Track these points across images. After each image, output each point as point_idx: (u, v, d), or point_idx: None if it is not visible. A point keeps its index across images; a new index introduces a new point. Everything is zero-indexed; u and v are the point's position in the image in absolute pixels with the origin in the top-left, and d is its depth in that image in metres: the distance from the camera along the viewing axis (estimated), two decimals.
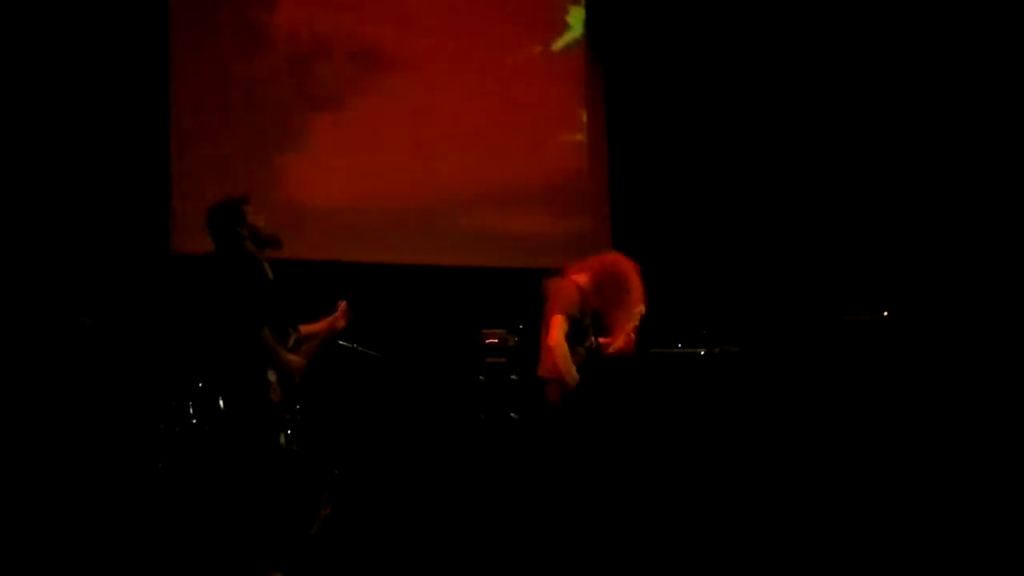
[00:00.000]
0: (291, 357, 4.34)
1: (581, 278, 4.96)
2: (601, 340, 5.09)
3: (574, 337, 4.86)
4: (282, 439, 4.40)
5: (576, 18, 7.72)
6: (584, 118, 7.71)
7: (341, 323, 4.69)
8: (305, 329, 4.55)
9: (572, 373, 4.80)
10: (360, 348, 5.35)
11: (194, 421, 4.90)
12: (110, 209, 6.00)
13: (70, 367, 4.61)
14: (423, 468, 5.82)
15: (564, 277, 5.00)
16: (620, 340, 5.06)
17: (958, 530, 4.13)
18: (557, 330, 4.79)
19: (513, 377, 6.41)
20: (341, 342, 5.20)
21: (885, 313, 6.16)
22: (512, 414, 6.30)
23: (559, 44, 7.67)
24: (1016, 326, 5.98)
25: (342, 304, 4.66)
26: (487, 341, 6.57)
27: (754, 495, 4.82)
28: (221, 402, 4.38)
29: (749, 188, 7.59)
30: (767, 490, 4.86)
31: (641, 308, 5.03)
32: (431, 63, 7.16)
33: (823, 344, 6.10)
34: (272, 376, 4.27)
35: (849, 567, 4.05)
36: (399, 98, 7.02)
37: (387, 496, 5.32)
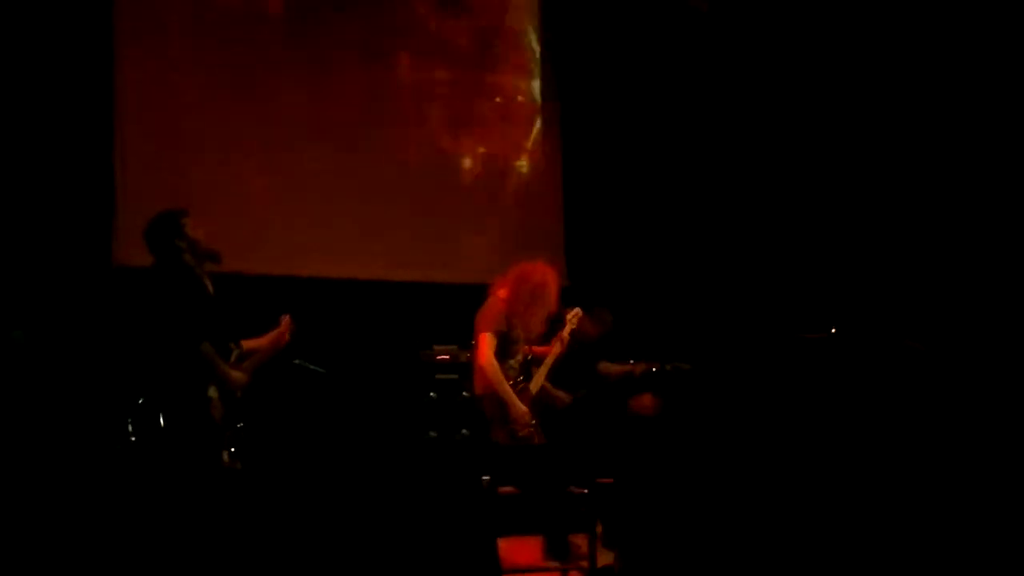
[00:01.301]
0: (233, 373, 4.28)
1: (503, 292, 5.01)
2: (536, 349, 5.12)
3: (504, 352, 4.91)
4: (225, 456, 4.31)
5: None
6: (536, 133, 7.70)
7: (285, 338, 4.62)
8: (248, 344, 4.49)
9: (505, 388, 4.85)
10: (310, 365, 5.27)
11: (133, 439, 4.77)
12: (51, 220, 5.86)
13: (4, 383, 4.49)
14: (371, 485, 5.72)
15: (490, 294, 5.03)
16: (555, 346, 5.10)
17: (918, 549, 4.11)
18: (485, 347, 4.86)
19: (465, 394, 6.35)
20: (296, 361, 5.13)
21: (832, 330, 6.19)
22: (463, 431, 6.23)
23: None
24: (976, 341, 6.04)
25: (286, 318, 4.60)
26: (438, 357, 6.49)
27: (708, 510, 4.79)
28: (161, 419, 4.28)
29: (700, 205, 7.61)
30: (721, 505, 4.84)
31: (570, 310, 5.12)
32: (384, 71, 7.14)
33: (775, 361, 6.11)
34: (213, 392, 4.20)
35: None
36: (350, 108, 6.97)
37: (334, 514, 5.22)
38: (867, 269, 6.85)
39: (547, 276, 5.03)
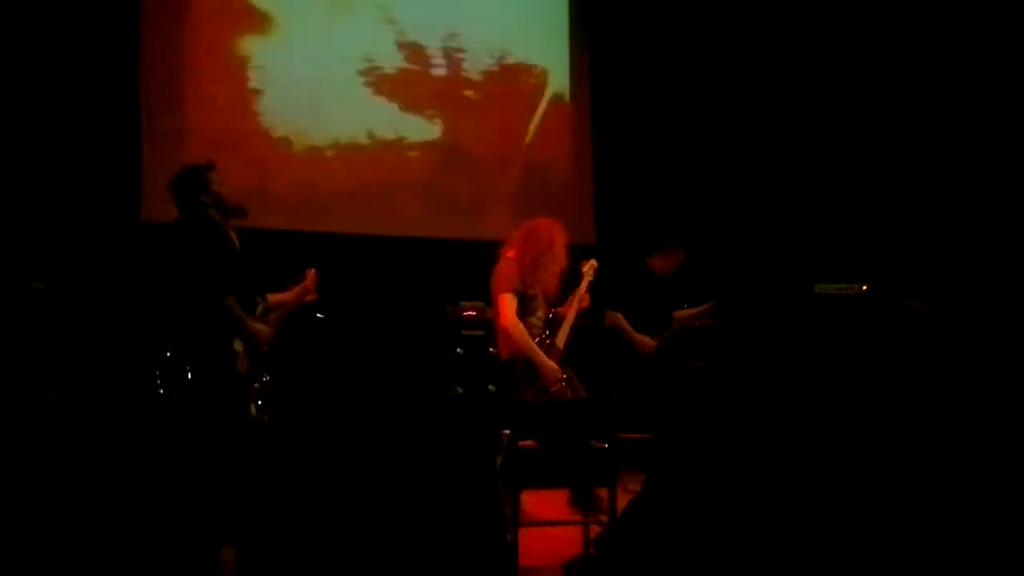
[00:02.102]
0: (258, 326, 4.29)
1: (512, 252, 4.99)
2: (559, 310, 5.13)
3: (523, 310, 4.91)
4: (252, 409, 4.35)
5: None
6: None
7: (311, 293, 4.64)
8: (273, 299, 4.50)
9: (531, 345, 4.86)
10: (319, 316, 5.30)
11: (161, 391, 4.84)
12: (80, 176, 5.91)
13: (24, 332, 4.54)
14: (397, 441, 5.77)
15: (500, 256, 5.02)
16: (575, 302, 5.10)
17: (942, 525, 4.07)
18: (506, 308, 4.86)
19: (491, 350, 6.37)
20: (318, 315, 5.16)
21: (864, 287, 6.14)
22: (490, 387, 6.26)
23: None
24: (998, 311, 5.96)
25: (311, 272, 4.60)
26: (465, 314, 6.51)
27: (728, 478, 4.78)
28: (188, 372, 4.32)
29: (725, 165, 7.54)
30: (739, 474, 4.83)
31: (586, 262, 5.12)
32: None
33: (801, 317, 6.09)
34: (239, 346, 4.22)
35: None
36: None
37: (356, 470, 5.28)
38: (895, 230, 6.78)
39: (553, 231, 5.01)
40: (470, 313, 6.48)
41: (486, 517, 3.98)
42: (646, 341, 5.76)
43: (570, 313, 5.11)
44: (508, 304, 4.88)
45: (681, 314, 5.98)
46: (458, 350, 6.44)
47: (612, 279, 5.79)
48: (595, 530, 4.24)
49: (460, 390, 6.34)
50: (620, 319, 5.80)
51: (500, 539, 3.92)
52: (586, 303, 5.16)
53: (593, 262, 5.28)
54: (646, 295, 5.82)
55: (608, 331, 5.83)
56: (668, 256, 5.95)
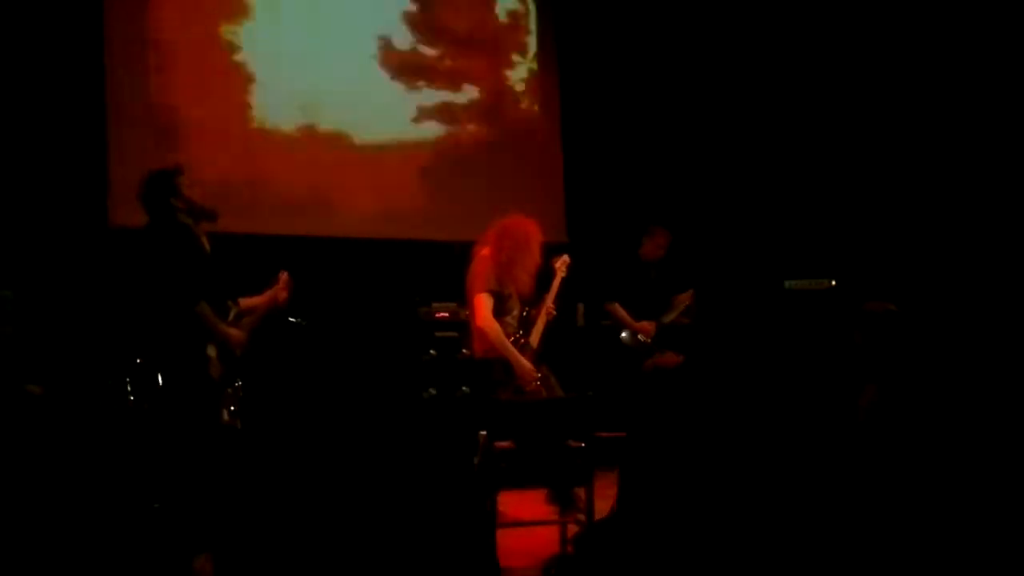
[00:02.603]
0: (231, 331, 4.26)
1: (487, 251, 4.98)
2: (531, 311, 5.13)
3: (499, 309, 4.90)
4: (225, 415, 4.31)
5: None
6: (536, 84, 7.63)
7: (284, 296, 4.60)
8: (245, 303, 4.47)
9: (506, 345, 4.86)
10: (295, 320, 5.26)
11: (132, 398, 4.79)
12: (47, 180, 5.83)
13: None
14: (370, 443, 5.75)
15: (474, 255, 5.01)
16: (547, 299, 5.10)
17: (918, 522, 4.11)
18: (482, 308, 4.85)
19: (464, 351, 6.36)
20: (291, 319, 5.12)
21: (832, 283, 6.20)
22: (464, 388, 6.24)
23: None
24: (974, 305, 6.03)
25: (283, 275, 4.57)
26: (437, 315, 6.49)
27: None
28: (160, 378, 4.28)
29: (698, 160, 7.58)
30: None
31: (557, 258, 5.18)
32: None
33: (768, 313, 6.15)
34: (212, 351, 4.19)
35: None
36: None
37: (332, 471, 5.25)
38: (868, 226, 6.85)
39: (528, 227, 5.01)
40: (443, 315, 6.46)
41: (469, 519, 3.97)
42: (645, 326, 6.11)
43: (542, 311, 5.11)
44: (484, 304, 4.87)
45: (681, 297, 6.24)
46: (431, 352, 6.41)
47: (605, 272, 5.95)
48: (573, 529, 4.26)
49: (433, 392, 6.31)
50: (618, 309, 6.15)
51: (487, 541, 3.91)
52: (552, 314, 5.14)
53: (566, 258, 5.28)
54: (641, 282, 6.05)
55: (585, 328, 5.89)
56: (654, 239, 6.25)
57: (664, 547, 3.58)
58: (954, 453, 3.61)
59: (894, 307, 3.95)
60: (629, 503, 3.85)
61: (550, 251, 5.27)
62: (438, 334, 6.40)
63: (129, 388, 4.84)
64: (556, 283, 5.17)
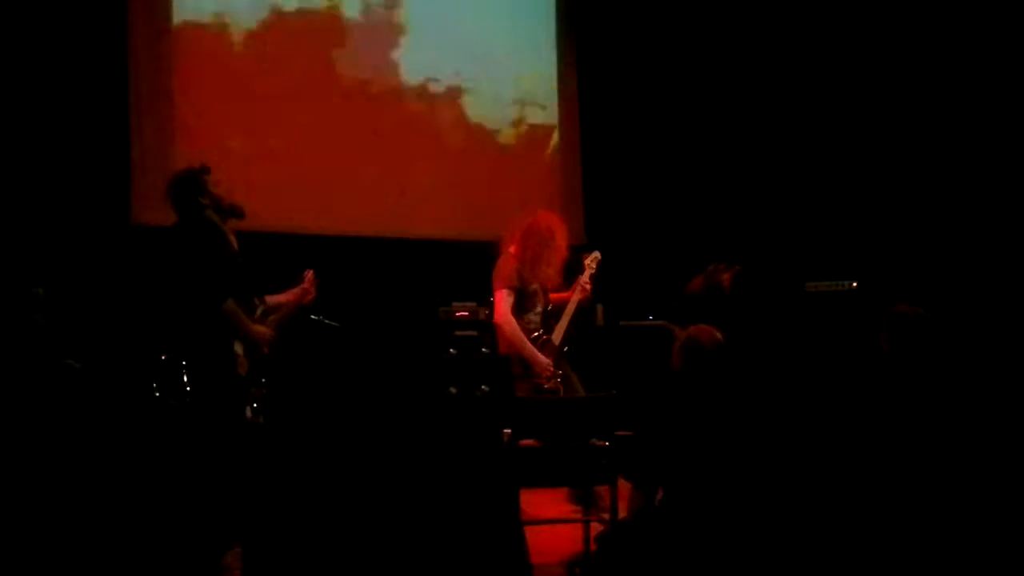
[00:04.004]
0: (258, 328, 4.29)
1: (513, 248, 5.02)
2: (553, 296, 5.14)
3: (521, 307, 4.93)
4: (248, 412, 4.34)
5: None
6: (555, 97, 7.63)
7: (310, 293, 4.64)
8: (272, 300, 4.50)
9: (523, 342, 4.88)
10: (325, 320, 5.29)
11: (158, 395, 4.81)
12: (69, 179, 5.85)
13: (23, 338, 4.51)
14: (393, 440, 5.76)
15: (501, 252, 5.04)
16: (576, 292, 5.11)
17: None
18: (501, 305, 4.90)
19: (484, 350, 6.37)
20: (313, 316, 5.14)
21: (855, 284, 6.17)
22: (483, 387, 6.26)
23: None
24: (990, 308, 6.01)
25: (309, 274, 4.61)
26: (457, 314, 6.50)
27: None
28: (186, 376, 4.30)
29: (717, 162, 7.57)
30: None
31: (588, 254, 5.20)
32: None
33: (789, 315, 6.12)
34: (238, 348, 4.22)
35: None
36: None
37: (356, 470, 5.27)
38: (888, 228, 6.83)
39: (552, 223, 5.04)
40: (463, 314, 6.48)
41: (498, 517, 3.99)
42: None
43: (570, 305, 5.12)
44: (503, 300, 4.93)
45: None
46: (451, 350, 6.43)
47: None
48: (596, 528, 4.26)
49: (454, 390, 6.33)
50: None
51: (516, 538, 3.92)
52: (588, 293, 5.16)
53: (596, 254, 5.30)
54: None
55: (605, 328, 5.88)
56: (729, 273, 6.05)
57: (687, 546, 3.59)
58: (985, 459, 3.60)
59: (923, 311, 3.91)
60: (653, 502, 3.86)
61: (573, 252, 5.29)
62: (458, 333, 6.42)
63: (155, 385, 4.86)
64: (585, 277, 5.18)
